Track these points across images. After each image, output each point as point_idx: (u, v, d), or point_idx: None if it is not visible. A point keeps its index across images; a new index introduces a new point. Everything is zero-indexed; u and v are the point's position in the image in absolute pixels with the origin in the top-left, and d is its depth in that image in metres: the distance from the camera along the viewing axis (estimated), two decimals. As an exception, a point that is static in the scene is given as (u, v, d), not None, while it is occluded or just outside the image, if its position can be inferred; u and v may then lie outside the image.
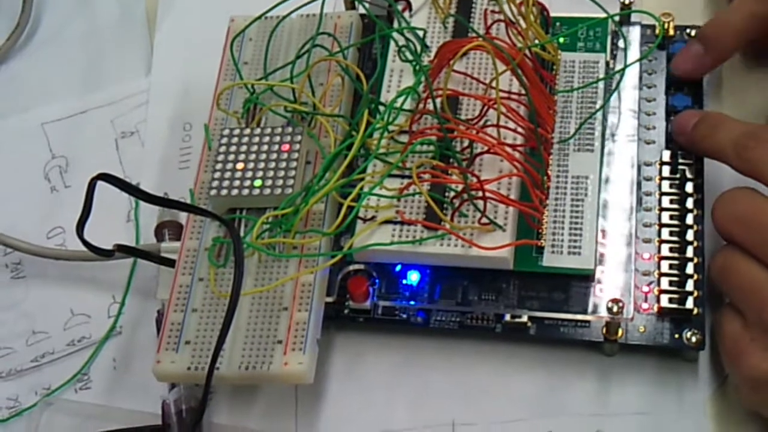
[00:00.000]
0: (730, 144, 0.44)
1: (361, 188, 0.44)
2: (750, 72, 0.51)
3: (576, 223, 0.45)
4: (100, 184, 0.45)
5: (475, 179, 0.43)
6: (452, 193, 0.44)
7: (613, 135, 0.48)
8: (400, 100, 0.46)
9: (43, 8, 0.60)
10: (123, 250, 0.45)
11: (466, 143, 0.45)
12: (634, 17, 0.51)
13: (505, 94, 0.45)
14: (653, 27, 0.51)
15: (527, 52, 0.47)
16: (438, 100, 0.45)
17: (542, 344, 0.45)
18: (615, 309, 0.43)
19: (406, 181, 0.45)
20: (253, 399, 0.45)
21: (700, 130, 0.46)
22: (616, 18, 0.50)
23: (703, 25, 0.49)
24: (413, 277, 0.46)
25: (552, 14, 0.51)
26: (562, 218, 0.45)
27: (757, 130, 0.43)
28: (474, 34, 0.48)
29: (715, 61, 0.49)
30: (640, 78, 0.50)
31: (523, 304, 0.45)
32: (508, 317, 0.44)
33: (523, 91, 0.44)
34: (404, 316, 0.45)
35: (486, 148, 0.44)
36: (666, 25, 0.50)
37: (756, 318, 0.41)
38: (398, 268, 0.46)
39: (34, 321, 0.49)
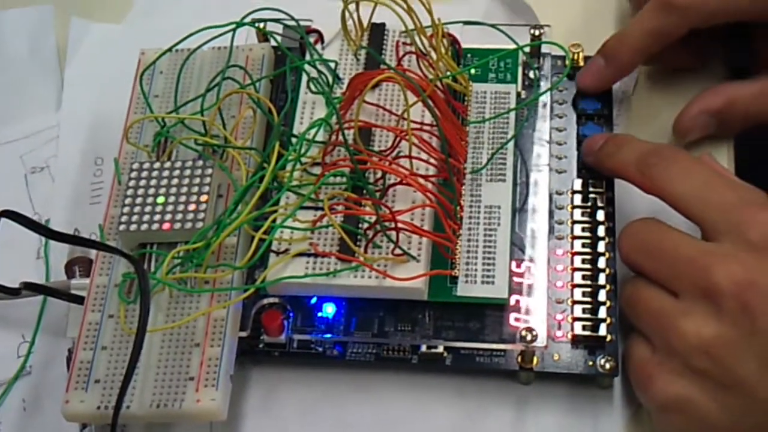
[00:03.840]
0: (634, 162, 0.45)
1: (274, 221, 0.44)
2: (658, 94, 0.52)
3: (489, 252, 0.45)
4: (8, 221, 0.44)
5: (387, 210, 0.43)
6: (366, 225, 0.44)
7: (525, 165, 0.48)
8: (312, 131, 0.46)
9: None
10: (31, 288, 0.44)
11: (379, 174, 0.45)
12: (544, 48, 0.52)
13: (417, 125, 0.46)
14: (563, 57, 0.52)
15: (438, 83, 0.47)
16: (350, 132, 0.45)
17: (459, 374, 0.45)
18: (529, 337, 0.43)
19: (319, 213, 0.44)
20: (167, 437, 0.45)
21: (606, 149, 0.47)
22: (527, 49, 0.51)
23: (606, 41, 0.50)
24: (329, 309, 0.45)
25: (463, 46, 0.52)
26: (475, 248, 0.45)
27: (659, 148, 0.45)
28: (385, 66, 0.49)
29: (616, 74, 0.50)
30: (551, 108, 0.50)
31: (439, 335, 0.45)
32: (424, 348, 0.44)
33: (435, 122, 0.44)
34: (320, 349, 0.45)
35: (398, 180, 0.44)
36: (575, 56, 0.51)
37: (662, 343, 0.41)
38: (313, 300, 0.45)
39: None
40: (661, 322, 0.41)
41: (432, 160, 0.45)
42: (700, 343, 0.40)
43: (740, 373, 0.39)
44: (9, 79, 0.57)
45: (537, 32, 0.51)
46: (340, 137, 0.45)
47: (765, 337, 0.39)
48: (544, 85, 0.51)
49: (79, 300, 0.45)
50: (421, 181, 0.44)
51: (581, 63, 0.51)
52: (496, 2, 0.56)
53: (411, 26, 0.48)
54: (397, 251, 0.43)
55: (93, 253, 0.46)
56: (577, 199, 0.47)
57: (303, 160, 0.46)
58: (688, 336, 0.40)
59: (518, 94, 0.50)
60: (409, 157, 0.45)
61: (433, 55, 0.48)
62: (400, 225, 0.43)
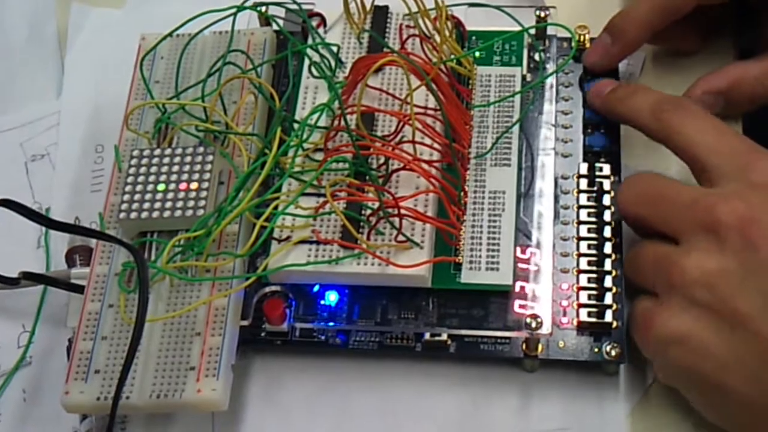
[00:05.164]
0: (648, 107, 0.45)
1: (275, 208, 0.43)
2: (665, 76, 0.52)
3: (493, 238, 0.44)
4: (7, 210, 0.43)
5: (390, 197, 0.42)
6: (369, 211, 0.44)
7: (530, 148, 0.48)
8: (314, 117, 0.46)
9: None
10: (30, 278, 0.44)
11: (382, 160, 0.45)
12: (550, 30, 0.51)
13: (421, 110, 0.45)
14: (569, 40, 0.51)
15: (442, 66, 0.46)
16: (353, 117, 0.44)
17: (463, 362, 0.45)
18: (534, 324, 0.42)
19: (321, 200, 0.44)
20: (169, 427, 0.44)
21: (618, 93, 0.47)
22: (532, 31, 0.50)
23: (612, 18, 0.49)
24: (331, 297, 0.45)
25: (468, 28, 0.51)
26: (479, 234, 0.45)
27: (673, 97, 0.46)
28: (388, 50, 0.48)
29: (623, 51, 0.49)
30: (557, 91, 0.50)
31: (443, 322, 0.44)
32: (427, 336, 0.44)
33: (438, 107, 0.44)
34: (323, 337, 0.44)
35: (402, 165, 0.43)
36: (581, 38, 0.51)
37: (663, 285, 0.41)
38: (316, 288, 0.45)
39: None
40: (662, 265, 0.41)
41: (436, 145, 0.45)
42: (701, 276, 0.40)
43: (742, 307, 0.39)
44: (9, 66, 0.57)
45: (542, 14, 0.50)
46: (343, 123, 0.44)
47: (767, 272, 0.39)
48: (550, 67, 0.50)
49: (80, 289, 0.44)
50: (425, 166, 0.44)
51: (587, 44, 0.50)
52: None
53: (414, 9, 0.48)
54: (401, 238, 0.43)
55: (93, 241, 0.46)
56: (583, 184, 0.47)
57: (305, 145, 0.45)
58: (689, 270, 0.40)
59: (523, 77, 0.49)
60: (413, 142, 0.44)
61: (437, 38, 0.47)
62: (403, 211, 0.42)
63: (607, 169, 0.47)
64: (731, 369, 0.39)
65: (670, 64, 0.53)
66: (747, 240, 0.39)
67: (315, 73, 0.47)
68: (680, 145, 0.44)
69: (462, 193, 0.45)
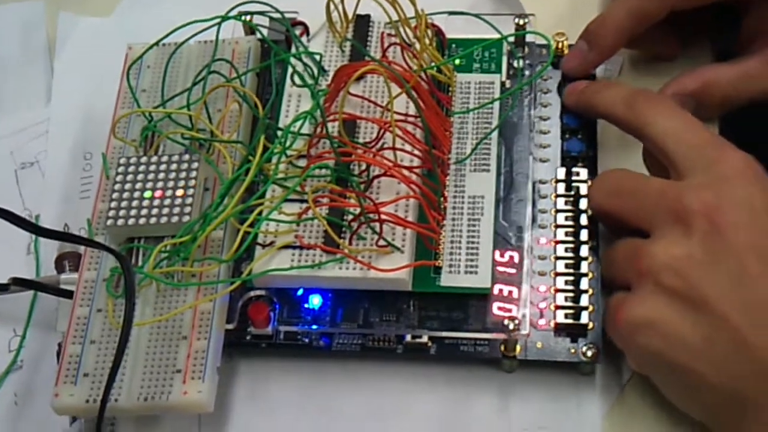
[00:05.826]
0: (621, 99, 0.47)
1: (259, 213, 0.44)
2: (642, 80, 0.53)
3: (472, 242, 0.46)
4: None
5: (370, 202, 0.43)
6: (351, 217, 0.45)
7: (509, 154, 0.49)
8: (297, 124, 0.47)
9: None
10: (20, 284, 0.45)
11: (364, 166, 0.46)
12: (529, 37, 0.52)
13: (401, 117, 0.46)
14: (548, 46, 0.52)
15: (423, 74, 0.47)
16: (335, 124, 0.45)
17: (444, 363, 0.46)
18: (511, 326, 0.44)
19: (304, 206, 0.45)
20: (157, 428, 0.45)
21: (593, 87, 0.49)
22: (511, 39, 0.51)
23: (588, 24, 0.50)
24: (315, 300, 0.46)
25: (448, 36, 0.52)
26: (459, 238, 0.46)
27: (646, 90, 0.48)
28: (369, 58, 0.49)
29: (599, 57, 0.51)
30: (535, 97, 0.51)
31: (424, 324, 0.45)
32: (408, 338, 0.45)
33: (418, 114, 0.45)
34: (307, 340, 0.46)
35: (383, 171, 0.44)
36: (560, 45, 0.52)
37: (634, 274, 0.42)
38: (300, 292, 0.46)
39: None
40: (633, 256, 0.43)
41: (416, 152, 0.46)
42: (669, 261, 0.41)
43: (709, 292, 0.40)
44: (3, 73, 0.57)
45: (521, 21, 0.52)
46: (325, 130, 0.45)
47: (734, 257, 0.40)
48: (529, 74, 0.51)
49: (69, 294, 0.45)
50: (405, 172, 0.45)
51: (566, 51, 0.52)
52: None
53: (395, 17, 0.49)
54: (382, 243, 0.44)
55: (82, 247, 0.47)
56: (561, 188, 0.48)
57: (289, 152, 0.46)
58: (657, 256, 0.41)
59: (503, 84, 0.51)
60: (393, 148, 0.45)
61: (418, 46, 0.48)
62: (383, 216, 0.43)
63: (584, 173, 0.48)
64: (699, 353, 0.40)
65: (647, 69, 0.54)
66: (714, 227, 0.41)
67: (298, 81, 0.48)
68: (651, 137, 0.45)
69: (442, 198, 0.46)
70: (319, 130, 0.46)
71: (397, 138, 0.45)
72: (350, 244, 0.44)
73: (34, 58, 0.57)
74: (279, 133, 0.47)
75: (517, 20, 0.52)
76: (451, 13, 0.51)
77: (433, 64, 0.49)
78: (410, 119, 0.46)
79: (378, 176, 0.45)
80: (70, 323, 0.44)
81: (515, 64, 0.52)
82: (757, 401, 0.40)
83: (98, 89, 0.54)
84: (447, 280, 0.45)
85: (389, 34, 0.50)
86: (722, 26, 0.53)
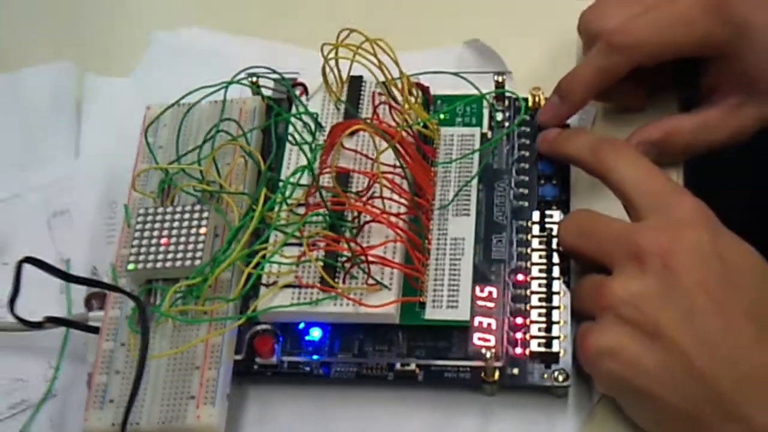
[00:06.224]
0: (588, 146, 0.52)
1: (263, 257, 0.50)
2: (614, 130, 0.58)
3: (454, 279, 0.51)
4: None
5: (359, 247, 0.49)
6: (344, 258, 0.50)
7: (489, 199, 0.54)
8: (296, 176, 0.52)
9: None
10: (53, 321, 0.51)
11: (356, 213, 0.51)
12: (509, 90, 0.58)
13: (390, 168, 0.51)
14: (526, 99, 0.58)
15: (409, 129, 0.53)
16: (330, 175, 0.51)
17: (430, 388, 0.51)
18: (489, 355, 0.49)
19: (303, 249, 0.50)
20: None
21: (564, 135, 0.55)
22: (491, 94, 0.57)
23: (560, 80, 0.56)
24: (314, 333, 0.51)
25: (435, 92, 0.57)
26: (441, 276, 0.51)
27: (611, 139, 0.53)
28: (363, 116, 0.55)
29: (570, 109, 0.56)
30: (512, 147, 0.56)
31: (412, 354, 0.50)
32: (398, 366, 0.50)
33: (401, 167, 0.50)
34: (308, 369, 0.51)
35: (371, 218, 0.50)
36: (536, 98, 0.57)
37: (598, 308, 0.47)
38: (301, 326, 0.51)
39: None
40: (596, 290, 0.48)
41: (402, 200, 0.51)
42: (627, 296, 0.46)
43: (663, 323, 0.45)
44: (33, 130, 0.63)
45: (500, 79, 0.57)
46: (323, 181, 0.51)
47: (684, 294, 0.45)
48: (508, 125, 0.57)
49: (96, 330, 0.51)
50: (393, 218, 0.50)
51: (542, 104, 0.57)
52: (468, 49, 0.62)
53: (382, 79, 0.54)
54: (371, 282, 0.49)
55: (108, 288, 0.53)
56: (536, 230, 0.53)
57: (289, 201, 0.52)
58: (617, 291, 0.47)
59: (483, 135, 0.56)
60: (381, 197, 0.50)
61: (403, 105, 0.54)
62: (371, 258, 0.49)
63: (557, 215, 0.53)
64: (656, 377, 0.45)
65: (618, 119, 0.59)
66: (667, 267, 0.46)
67: (297, 138, 0.54)
68: (613, 182, 0.50)
69: (426, 241, 0.52)
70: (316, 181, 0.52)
71: (385, 188, 0.50)
72: (344, 282, 0.50)
73: (63, 114, 0.63)
74: (280, 184, 0.52)
75: (496, 78, 0.57)
76: (434, 73, 0.57)
77: (418, 120, 0.54)
78: (397, 170, 0.52)
79: (367, 222, 0.51)
80: (98, 356, 0.49)
81: (496, 116, 0.57)
82: (706, 421, 0.45)
83: (121, 144, 0.59)
84: (431, 314, 0.50)
85: (379, 93, 0.55)
86: (686, 78, 0.58)
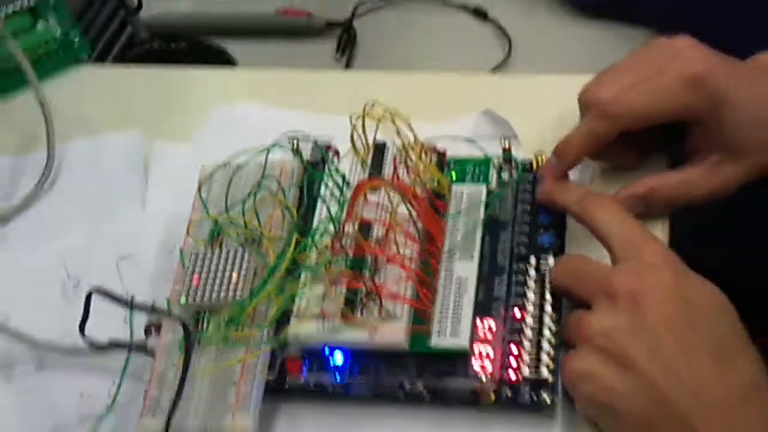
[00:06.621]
0: (576, 199, 0.61)
1: (293, 292, 0.59)
2: (610, 188, 0.66)
3: (457, 313, 0.59)
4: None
5: (374, 284, 0.57)
6: (363, 294, 0.59)
7: (492, 245, 0.63)
8: (324, 225, 0.61)
9: (63, 162, 0.76)
10: (116, 345, 0.60)
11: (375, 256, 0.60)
12: (515, 152, 0.66)
13: (406, 219, 0.60)
14: (530, 162, 0.66)
15: (423, 186, 0.62)
16: (355, 223, 0.60)
17: (435, 406, 0.58)
18: (485, 379, 0.57)
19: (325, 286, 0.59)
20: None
21: (558, 188, 0.63)
22: (498, 157, 0.65)
23: (557, 143, 0.64)
24: (338, 357, 0.60)
25: (450, 155, 0.66)
26: (447, 309, 0.59)
27: (598, 193, 0.62)
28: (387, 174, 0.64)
29: (565, 168, 0.64)
30: (516, 200, 0.65)
31: (420, 376, 0.58)
32: (408, 387, 0.58)
33: (411, 218, 0.59)
34: (331, 389, 0.59)
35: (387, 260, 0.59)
36: (539, 159, 0.66)
37: (577, 338, 0.55)
38: (326, 351, 0.60)
39: (53, 403, 0.64)
40: (578, 322, 0.56)
41: (415, 246, 0.60)
42: (601, 328, 0.54)
43: (632, 353, 0.53)
44: (108, 187, 0.74)
45: (507, 144, 0.66)
46: (348, 229, 0.60)
47: (651, 328, 0.53)
48: (513, 183, 0.65)
49: (152, 354, 0.60)
50: (407, 262, 0.59)
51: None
52: (482, 117, 0.71)
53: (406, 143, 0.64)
54: (384, 314, 0.58)
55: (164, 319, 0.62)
56: (532, 272, 0.61)
57: (319, 246, 0.61)
58: (593, 325, 0.54)
59: (490, 191, 0.65)
60: (395, 243, 0.59)
61: (421, 165, 0.63)
62: (385, 294, 0.57)
63: (551, 261, 0.61)
64: (626, 398, 0.53)
65: (614, 176, 0.67)
66: (636, 305, 0.54)
67: (328, 195, 0.63)
68: (596, 230, 0.59)
69: (433, 280, 0.60)
70: (341, 230, 0.61)
71: (399, 235, 0.59)
72: (361, 315, 0.58)
73: (133, 175, 0.74)
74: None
75: (504, 142, 0.66)
76: (446, 136, 0.66)
77: (434, 179, 0.63)
78: (410, 220, 0.60)
79: (384, 263, 0.59)
80: (152, 374, 0.59)
81: (503, 176, 0.66)
82: None
83: (181, 199, 0.69)
84: (436, 342, 0.58)
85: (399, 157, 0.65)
86: (674, 140, 0.66)
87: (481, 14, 0.95)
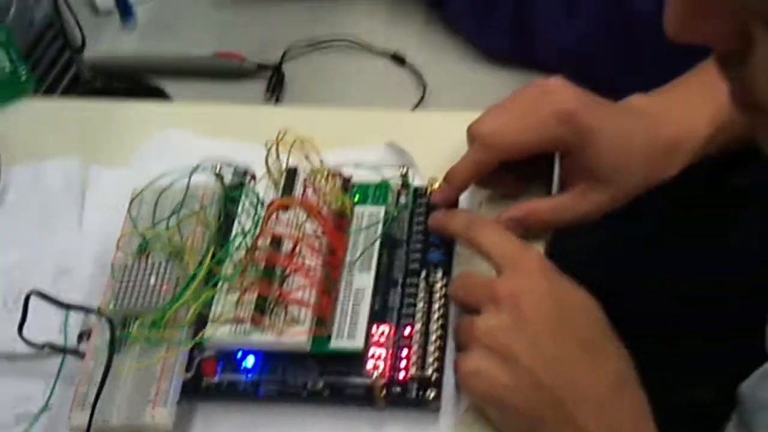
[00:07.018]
0: (462, 224, 0.69)
1: (211, 298, 0.67)
2: (495, 213, 0.75)
3: (354, 319, 0.67)
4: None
5: (281, 292, 0.65)
6: (270, 300, 0.66)
7: (388, 258, 0.71)
8: (239, 239, 0.69)
9: (9, 185, 0.83)
10: (51, 347, 0.67)
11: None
12: (412, 179, 0.75)
13: (312, 235, 0.68)
14: (425, 188, 0.74)
15: (328, 207, 0.70)
16: (268, 237, 0.68)
17: (334, 403, 0.66)
18: (376, 376, 0.65)
19: (238, 293, 0.67)
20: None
21: (447, 215, 0.71)
22: (393, 182, 0.74)
23: (447, 170, 0.72)
24: (249, 359, 0.67)
25: (355, 179, 0.75)
26: (345, 315, 0.67)
27: (480, 218, 0.71)
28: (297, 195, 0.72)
29: (454, 192, 0.73)
30: (411, 221, 0.73)
31: (321, 376, 0.66)
32: (310, 385, 0.66)
33: (317, 235, 0.67)
34: (242, 387, 0.67)
35: (292, 270, 0.66)
36: (432, 185, 0.74)
37: (467, 339, 0.63)
38: (239, 354, 0.67)
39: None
40: (468, 325, 0.64)
41: (319, 259, 0.68)
42: (487, 329, 0.62)
43: (514, 349, 0.61)
44: (48, 208, 0.81)
45: (404, 170, 0.74)
46: (261, 243, 0.68)
47: (530, 326, 0.61)
48: (408, 205, 0.74)
49: (83, 356, 0.67)
50: (311, 272, 0.67)
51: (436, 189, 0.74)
52: (386, 147, 0.80)
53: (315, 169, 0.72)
54: (289, 318, 0.66)
55: (95, 328, 0.69)
56: (422, 285, 0.69)
57: (234, 258, 0.69)
58: (480, 326, 0.62)
59: (387, 212, 0.73)
60: (300, 255, 0.67)
61: (327, 188, 0.71)
62: (290, 300, 0.65)
63: (439, 275, 0.70)
64: (512, 391, 0.61)
65: (499, 202, 0.76)
66: (516, 306, 0.62)
67: (243, 218, 0.71)
68: (480, 249, 0.67)
69: (334, 289, 0.68)
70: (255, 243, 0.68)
71: (305, 248, 0.67)
72: (270, 319, 0.66)
73: (71, 197, 0.81)
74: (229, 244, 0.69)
75: (402, 169, 0.74)
76: (353, 163, 0.74)
77: (337, 199, 0.71)
78: (315, 235, 0.68)
79: (292, 272, 0.67)
80: (82, 372, 0.66)
81: (400, 199, 0.74)
82: (549, 420, 0.61)
83: (114, 218, 0.76)
84: (335, 344, 0.66)
85: (308, 180, 0.73)
86: (549, 169, 0.75)
87: (399, 59, 1.04)
